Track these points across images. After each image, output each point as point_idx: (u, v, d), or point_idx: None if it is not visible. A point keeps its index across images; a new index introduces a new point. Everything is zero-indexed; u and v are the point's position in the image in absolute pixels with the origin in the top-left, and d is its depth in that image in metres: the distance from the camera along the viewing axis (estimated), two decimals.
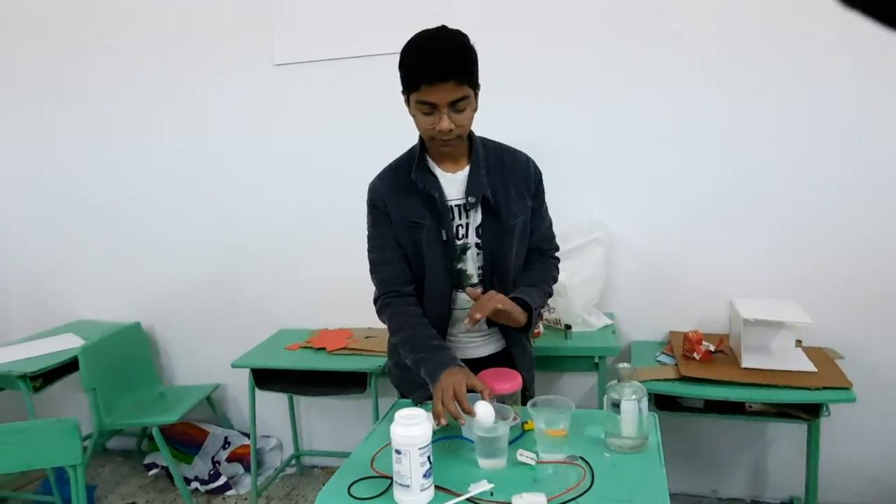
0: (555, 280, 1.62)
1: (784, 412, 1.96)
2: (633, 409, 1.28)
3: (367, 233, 1.55)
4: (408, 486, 1.10)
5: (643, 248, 2.34)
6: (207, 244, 2.79)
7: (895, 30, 0.35)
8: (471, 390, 1.26)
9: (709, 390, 1.93)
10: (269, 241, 2.72)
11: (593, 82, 2.28)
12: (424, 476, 1.10)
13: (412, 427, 1.10)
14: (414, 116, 1.40)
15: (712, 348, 2.07)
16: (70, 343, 2.63)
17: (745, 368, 1.96)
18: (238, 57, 2.59)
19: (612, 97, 2.27)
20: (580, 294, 2.16)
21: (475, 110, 1.42)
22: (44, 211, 2.94)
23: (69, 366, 2.50)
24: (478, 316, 1.33)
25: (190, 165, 2.74)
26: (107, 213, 2.87)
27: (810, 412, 1.92)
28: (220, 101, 2.65)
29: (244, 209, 2.72)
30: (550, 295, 1.60)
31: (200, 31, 2.61)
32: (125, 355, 2.71)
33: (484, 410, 1.21)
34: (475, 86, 1.38)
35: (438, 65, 1.29)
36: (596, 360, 2.14)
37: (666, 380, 2.00)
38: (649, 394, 1.96)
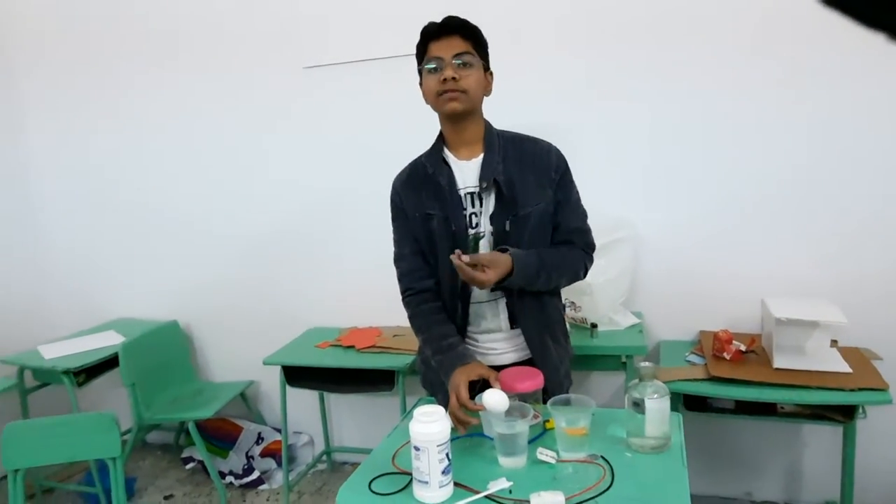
0: (577, 269, 1.52)
1: (818, 414, 1.91)
2: (655, 408, 1.27)
3: None
4: (426, 483, 1.12)
5: (672, 247, 2.30)
6: (241, 245, 2.86)
7: (873, 29, 0.35)
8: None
9: (739, 391, 1.89)
10: (300, 243, 2.78)
11: (621, 79, 2.26)
12: (443, 473, 1.12)
13: (430, 424, 1.12)
14: (423, 87, 1.47)
15: (743, 348, 2.03)
16: (111, 340, 2.74)
17: (776, 369, 1.92)
18: (269, 61, 2.65)
19: (639, 95, 2.24)
20: (606, 293, 2.15)
21: (486, 88, 1.48)
22: (88, 214, 3.07)
23: (110, 362, 2.60)
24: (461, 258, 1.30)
25: (222, 167, 2.82)
26: (146, 216, 2.97)
27: (845, 414, 1.86)
28: (252, 105, 2.72)
29: (276, 211, 2.78)
30: (559, 276, 1.48)
31: (233, 37, 2.68)
32: (163, 352, 2.81)
33: (493, 398, 1.21)
34: (484, 57, 1.46)
35: (444, 22, 1.43)
36: (623, 359, 2.12)
37: (695, 380, 1.97)
38: (678, 394, 1.96)
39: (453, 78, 1.38)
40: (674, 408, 1.92)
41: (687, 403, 1.98)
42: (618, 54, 2.25)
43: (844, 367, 1.89)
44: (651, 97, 2.23)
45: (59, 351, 2.65)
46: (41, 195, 3.11)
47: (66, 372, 2.48)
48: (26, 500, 2.23)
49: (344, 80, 2.57)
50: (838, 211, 2.13)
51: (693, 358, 2.13)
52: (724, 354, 2.02)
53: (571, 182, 1.53)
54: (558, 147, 1.53)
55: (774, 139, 2.15)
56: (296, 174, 2.72)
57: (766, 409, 1.95)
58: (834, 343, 2.01)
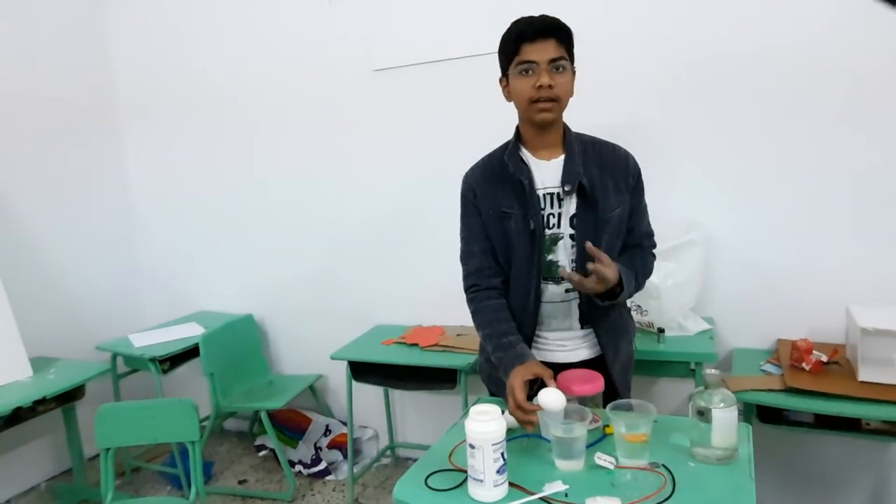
0: (649, 272, 1.57)
1: None
2: (722, 418, 1.23)
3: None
4: (481, 481, 1.13)
5: (747, 249, 2.20)
6: (312, 245, 2.97)
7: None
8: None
9: (819, 404, 1.79)
10: (368, 242, 2.85)
11: (694, 76, 2.18)
12: (498, 472, 1.12)
13: (486, 423, 1.12)
14: (512, 89, 1.44)
15: (824, 359, 1.92)
16: (193, 331, 2.90)
17: (862, 382, 1.80)
18: (339, 65, 2.74)
19: (712, 91, 2.16)
20: (674, 297, 2.08)
21: (572, 88, 1.45)
22: (178, 217, 3.28)
23: (192, 351, 2.76)
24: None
25: (295, 170, 2.93)
26: (228, 221, 3.14)
27: None
28: (323, 108, 2.81)
29: (346, 211, 2.87)
30: (641, 286, 1.55)
31: (307, 48, 2.79)
32: (239, 344, 2.95)
33: (549, 397, 1.21)
34: (572, 60, 1.43)
35: (539, 23, 1.39)
36: (692, 366, 2.05)
37: (770, 390, 1.87)
38: (752, 405, 1.87)
39: (549, 86, 1.38)
40: (747, 419, 1.86)
41: (762, 415, 1.89)
42: (691, 52, 2.17)
43: None
44: (721, 93, 2.15)
45: (147, 340, 2.84)
46: (138, 199, 3.35)
47: (153, 359, 2.66)
48: (116, 478, 2.42)
49: (413, 81, 2.61)
50: None
51: (769, 367, 2.03)
52: (804, 365, 1.91)
53: (643, 188, 1.55)
54: (630, 145, 1.54)
55: (861, 132, 2.01)
56: (365, 177, 2.79)
57: (849, 425, 1.83)
58: None
